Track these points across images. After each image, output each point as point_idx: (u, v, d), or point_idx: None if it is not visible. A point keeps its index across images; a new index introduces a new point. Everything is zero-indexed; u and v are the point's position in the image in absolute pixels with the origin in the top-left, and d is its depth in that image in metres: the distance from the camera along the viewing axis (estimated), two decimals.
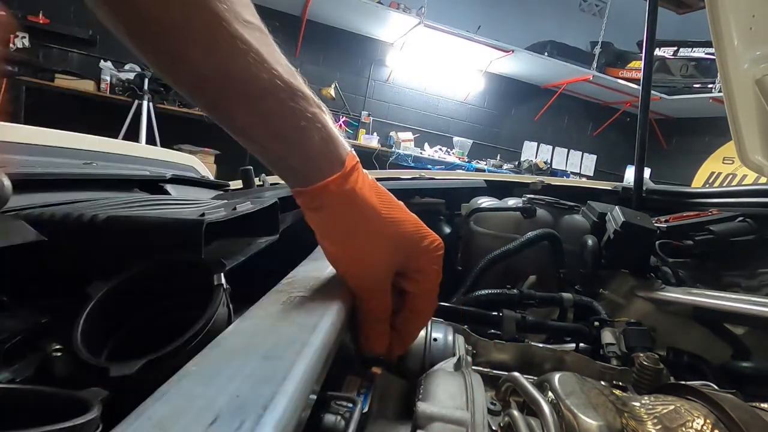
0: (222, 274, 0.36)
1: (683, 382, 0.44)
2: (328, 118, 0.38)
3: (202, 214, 0.46)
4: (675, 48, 5.10)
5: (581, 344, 0.71)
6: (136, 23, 0.30)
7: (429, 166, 4.92)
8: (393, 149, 5.00)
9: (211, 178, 1.28)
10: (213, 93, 0.33)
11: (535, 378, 0.42)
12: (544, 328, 0.71)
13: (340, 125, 4.93)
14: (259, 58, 0.33)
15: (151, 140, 3.69)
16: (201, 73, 0.32)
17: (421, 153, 5.19)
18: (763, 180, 1.15)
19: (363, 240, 0.39)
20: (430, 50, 5.03)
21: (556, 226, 0.98)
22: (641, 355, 0.57)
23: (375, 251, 0.39)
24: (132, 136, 3.56)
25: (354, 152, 0.40)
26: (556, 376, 0.38)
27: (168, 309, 0.39)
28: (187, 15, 0.30)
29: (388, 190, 0.42)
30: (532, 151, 5.96)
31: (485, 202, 1.06)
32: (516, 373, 0.41)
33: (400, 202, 0.42)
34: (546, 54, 4.97)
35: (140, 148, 1.43)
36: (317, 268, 0.47)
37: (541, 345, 0.62)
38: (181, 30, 0.30)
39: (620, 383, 0.57)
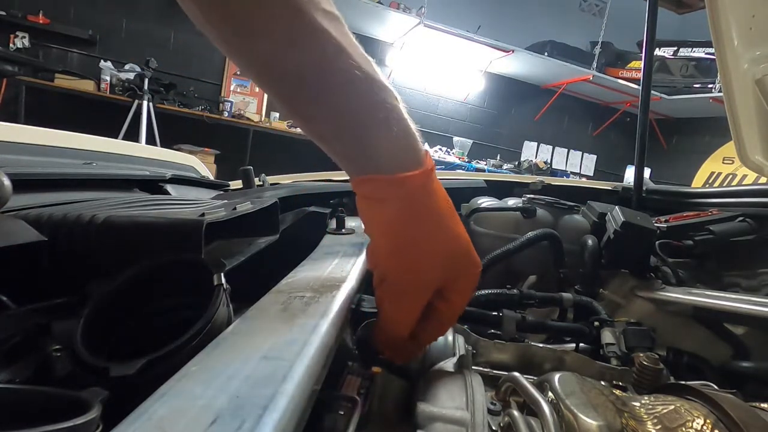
0: (222, 274, 0.36)
1: (683, 382, 0.44)
2: (404, 111, 0.38)
3: (202, 214, 0.46)
4: (675, 48, 5.10)
5: (581, 344, 0.71)
6: (217, 15, 0.31)
7: None
8: None
9: (211, 178, 1.28)
10: (290, 84, 0.33)
11: (535, 378, 0.42)
12: (544, 328, 0.71)
13: None
14: (339, 49, 0.33)
15: (151, 140, 3.69)
16: (280, 64, 0.32)
17: None
18: (763, 180, 1.15)
19: (424, 244, 0.37)
20: (430, 50, 5.03)
21: (556, 226, 0.98)
22: (641, 355, 0.56)
23: (432, 260, 0.37)
24: (132, 136, 3.56)
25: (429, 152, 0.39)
26: (556, 376, 0.38)
27: (168, 309, 0.39)
28: (266, 5, 0.30)
29: None
30: (532, 151, 5.96)
31: (485, 202, 1.06)
32: (516, 373, 0.41)
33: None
34: (546, 54, 4.97)
35: (140, 148, 1.43)
36: (317, 268, 0.47)
37: (541, 345, 0.62)
38: (260, 21, 0.31)
39: (620, 383, 0.56)
